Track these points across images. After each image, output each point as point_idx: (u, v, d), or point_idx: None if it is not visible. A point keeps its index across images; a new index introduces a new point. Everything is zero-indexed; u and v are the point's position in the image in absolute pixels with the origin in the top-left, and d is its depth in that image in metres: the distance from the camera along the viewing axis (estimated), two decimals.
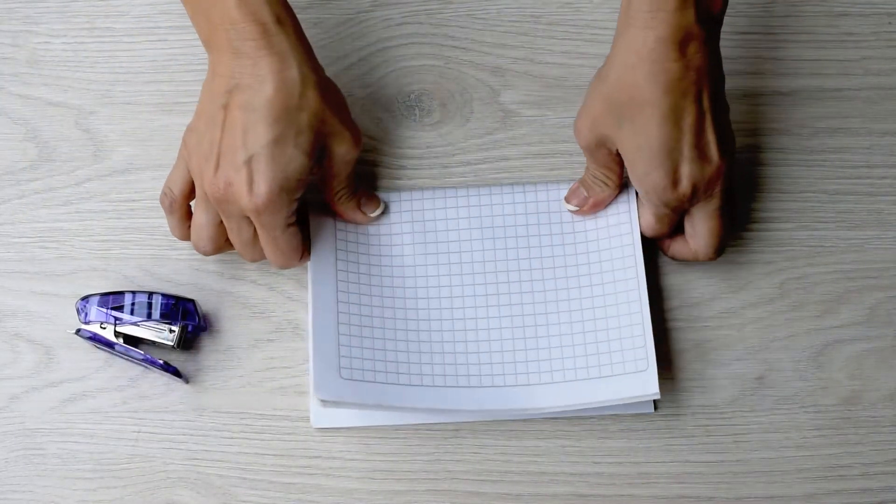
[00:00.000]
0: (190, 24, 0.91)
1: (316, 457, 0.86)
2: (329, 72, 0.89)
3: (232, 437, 0.86)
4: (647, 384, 0.84)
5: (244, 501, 0.85)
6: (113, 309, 0.85)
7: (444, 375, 0.85)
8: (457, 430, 0.86)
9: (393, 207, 0.89)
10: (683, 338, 0.88)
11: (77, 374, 0.87)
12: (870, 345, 0.88)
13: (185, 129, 0.84)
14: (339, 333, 0.85)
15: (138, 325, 0.85)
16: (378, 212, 0.88)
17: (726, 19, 0.93)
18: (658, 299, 0.88)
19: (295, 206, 0.82)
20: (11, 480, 0.85)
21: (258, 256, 0.85)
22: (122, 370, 0.87)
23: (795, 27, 0.93)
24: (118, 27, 0.93)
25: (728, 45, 0.92)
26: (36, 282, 0.88)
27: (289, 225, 0.83)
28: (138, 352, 0.84)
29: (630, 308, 0.86)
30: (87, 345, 0.87)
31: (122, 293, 0.85)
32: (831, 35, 0.93)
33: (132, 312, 0.85)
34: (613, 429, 0.86)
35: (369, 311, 0.86)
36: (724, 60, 0.92)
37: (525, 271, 0.88)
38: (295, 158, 0.80)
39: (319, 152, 0.82)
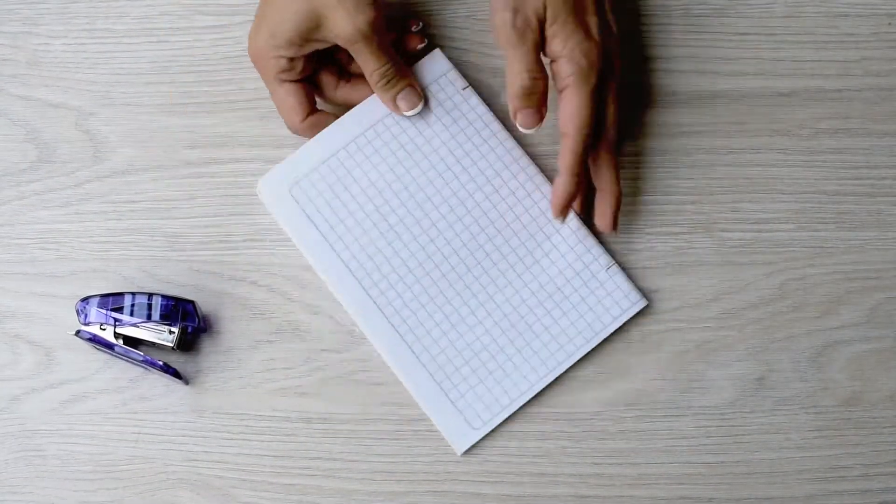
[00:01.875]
0: (190, 25, 0.91)
1: (316, 458, 0.86)
2: None
3: (232, 439, 0.86)
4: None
5: (244, 502, 0.85)
6: (113, 310, 0.85)
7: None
8: None
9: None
10: (684, 339, 0.87)
11: (77, 376, 0.87)
12: (870, 346, 0.88)
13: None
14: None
15: (138, 327, 0.85)
16: (413, 111, 0.89)
17: (726, 20, 0.93)
18: (659, 300, 0.88)
19: None
20: (11, 482, 0.85)
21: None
22: (121, 371, 0.87)
23: (795, 28, 0.93)
24: (118, 28, 0.93)
25: (728, 45, 0.92)
26: (36, 283, 0.88)
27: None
28: (138, 353, 0.84)
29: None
30: (87, 346, 0.87)
31: (121, 294, 0.85)
32: (831, 36, 0.93)
33: (132, 314, 0.85)
34: (613, 430, 0.86)
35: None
36: (724, 61, 0.92)
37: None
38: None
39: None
